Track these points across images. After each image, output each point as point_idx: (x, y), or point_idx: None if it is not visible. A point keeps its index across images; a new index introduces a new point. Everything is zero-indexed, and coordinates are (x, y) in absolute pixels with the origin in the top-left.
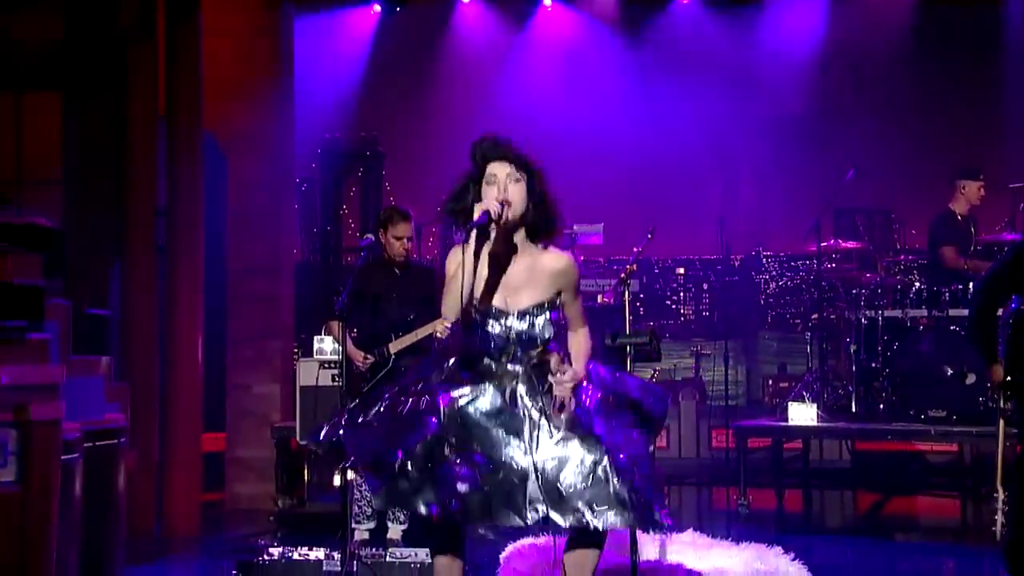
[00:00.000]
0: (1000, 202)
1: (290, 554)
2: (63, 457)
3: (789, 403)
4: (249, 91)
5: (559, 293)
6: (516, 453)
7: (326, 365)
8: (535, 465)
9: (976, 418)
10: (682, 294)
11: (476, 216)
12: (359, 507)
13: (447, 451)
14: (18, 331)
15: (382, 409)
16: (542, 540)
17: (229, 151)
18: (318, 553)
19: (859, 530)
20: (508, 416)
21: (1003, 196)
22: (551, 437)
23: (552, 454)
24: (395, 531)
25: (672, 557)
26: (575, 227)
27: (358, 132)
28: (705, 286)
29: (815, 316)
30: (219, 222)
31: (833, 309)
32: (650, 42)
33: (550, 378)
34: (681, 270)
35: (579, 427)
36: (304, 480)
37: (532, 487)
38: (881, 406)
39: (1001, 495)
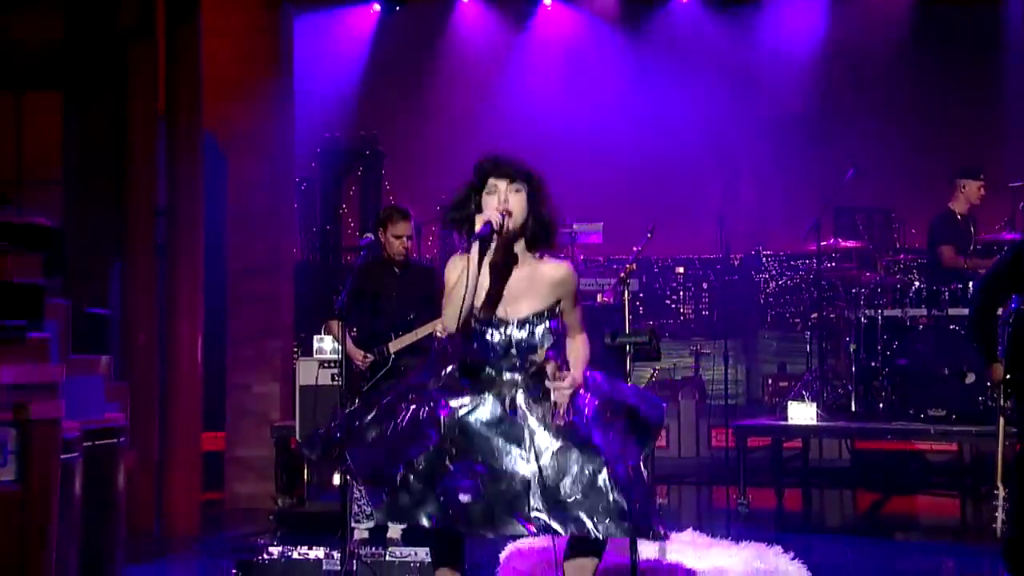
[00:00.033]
0: (1000, 201)
1: (290, 553)
2: (63, 456)
3: (789, 402)
4: (249, 91)
5: (558, 301)
6: (517, 462)
7: (326, 364)
8: (536, 473)
9: (976, 417)
10: (682, 293)
11: (478, 227)
12: (359, 506)
13: (448, 462)
14: (18, 330)
15: (380, 422)
16: (542, 540)
17: (229, 151)
18: (318, 552)
19: (859, 529)
20: (508, 425)
21: (1003, 195)
22: (551, 445)
23: (552, 463)
24: (395, 530)
25: (672, 556)
26: (575, 226)
27: (358, 131)
28: (705, 285)
29: (815, 315)
30: (219, 222)
31: (833, 308)
32: (650, 41)
33: (548, 384)
34: (681, 269)
35: (578, 436)
36: (304, 479)
37: (534, 495)
38: (881, 405)
39: (1001, 492)
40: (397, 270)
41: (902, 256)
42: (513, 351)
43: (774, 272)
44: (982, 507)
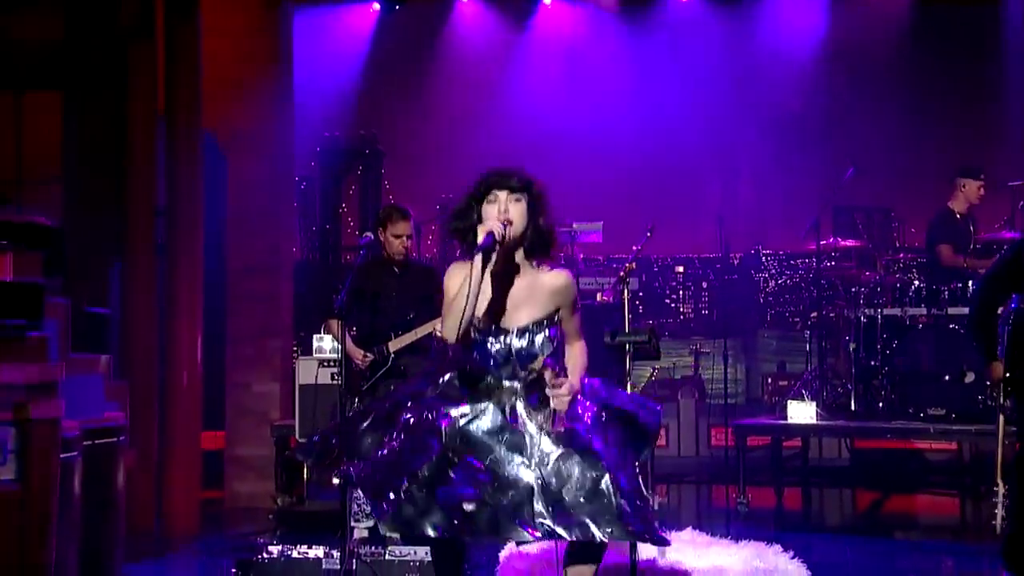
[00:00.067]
0: (999, 201)
1: (289, 552)
2: (62, 455)
3: (788, 401)
4: (249, 90)
5: (558, 310)
6: (520, 469)
7: (325, 363)
8: (539, 480)
9: (975, 416)
10: (681, 292)
11: (480, 238)
12: (358, 505)
13: (451, 472)
14: (18, 329)
15: (377, 430)
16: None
17: (229, 150)
18: (317, 551)
19: (858, 528)
20: (509, 433)
21: (1002, 195)
22: (552, 452)
23: (554, 469)
24: None
25: (671, 556)
26: (575, 225)
27: (357, 130)
28: (704, 284)
29: (814, 314)
30: (219, 221)
31: (832, 307)
32: (650, 41)
33: (547, 391)
34: (680, 268)
35: (578, 443)
36: (303, 478)
37: (538, 501)
38: (880, 404)
39: (1001, 488)
40: (397, 269)
41: (901, 255)
42: (513, 359)
43: (774, 271)
44: (981, 506)
